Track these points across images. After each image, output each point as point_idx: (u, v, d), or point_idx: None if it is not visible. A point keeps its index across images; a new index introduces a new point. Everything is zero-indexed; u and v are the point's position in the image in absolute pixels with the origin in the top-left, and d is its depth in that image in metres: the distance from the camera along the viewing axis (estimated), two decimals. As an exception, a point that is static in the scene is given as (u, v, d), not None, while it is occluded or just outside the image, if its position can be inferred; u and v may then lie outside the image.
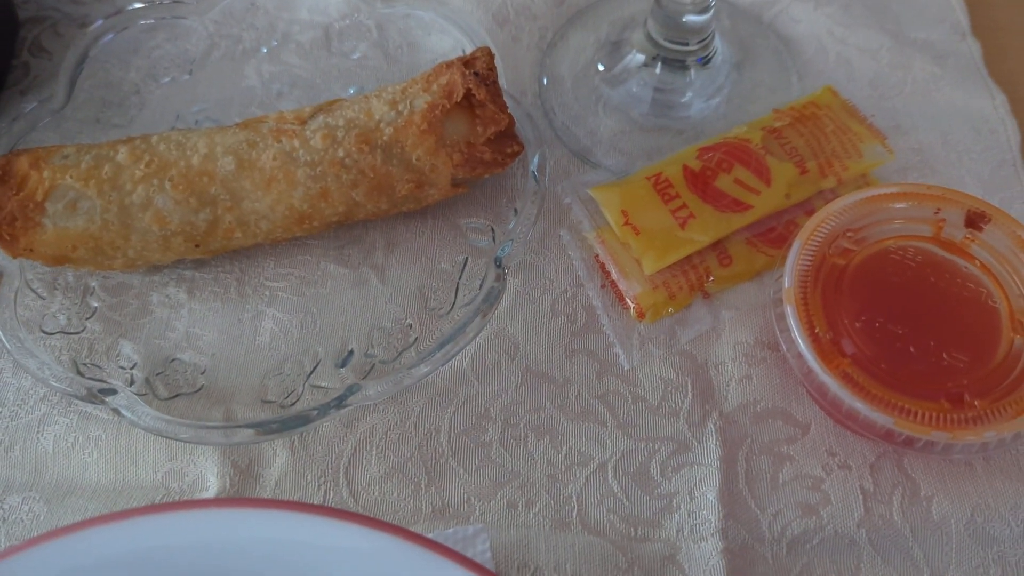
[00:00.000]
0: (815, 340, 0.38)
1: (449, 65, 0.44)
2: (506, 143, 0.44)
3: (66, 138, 0.49)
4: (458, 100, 0.42)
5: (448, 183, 0.44)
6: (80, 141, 0.49)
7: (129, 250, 0.43)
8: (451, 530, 0.38)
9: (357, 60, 0.53)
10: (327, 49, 0.53)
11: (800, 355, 0.38)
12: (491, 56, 0.44)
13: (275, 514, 0.31)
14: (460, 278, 0.45)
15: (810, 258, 0.40)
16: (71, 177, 0.42)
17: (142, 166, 0.42)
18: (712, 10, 0.46)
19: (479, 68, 0.43)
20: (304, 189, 0.43)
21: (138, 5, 0.52)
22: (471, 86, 0.42)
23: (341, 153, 0.42)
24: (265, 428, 0.40)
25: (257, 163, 0.42)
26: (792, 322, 0.38)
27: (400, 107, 0.43)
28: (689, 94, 0.49)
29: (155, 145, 0.43)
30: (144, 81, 0.52)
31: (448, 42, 0.52)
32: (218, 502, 0.32)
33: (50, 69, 0.54)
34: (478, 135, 0.43)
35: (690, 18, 0.46)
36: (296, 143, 0.43)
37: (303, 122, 0.43)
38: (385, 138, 0.43)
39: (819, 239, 0.40)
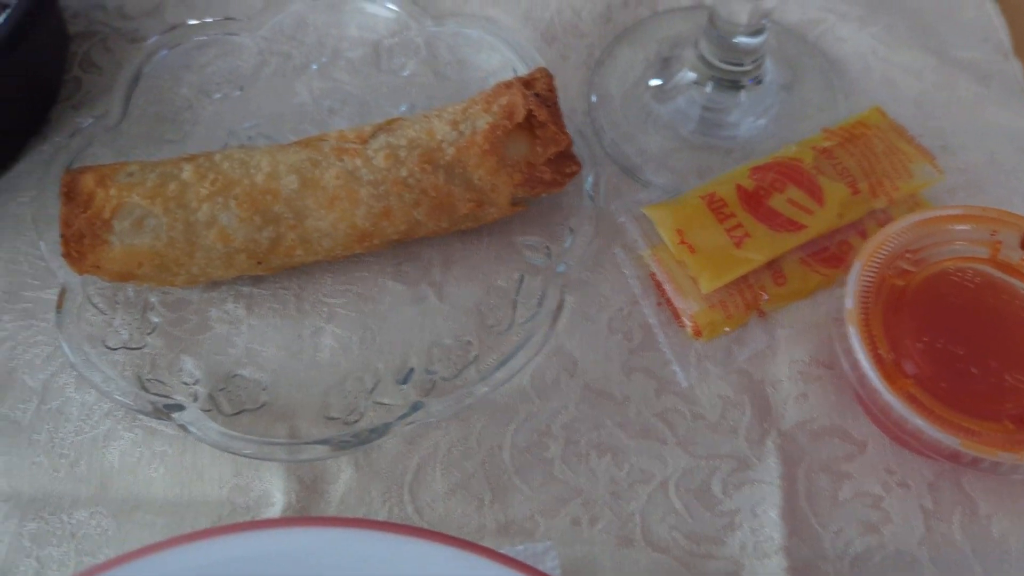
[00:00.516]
0: (879, 360, 0.39)
1: (508, 85, 0.44)
2: (565, 163, 0.44)
3: (121, 153, 0.49)
4: (519, 121, 0.43)
5: (507, 202, 0.44)
6: (135, 156, 0.49)
7: (193, 267, 0.43)
8: (521, 547, 0.39)
9: (407, 77, 0.53)
10: (376, 66, 0.54)
11: (864, 375, 0.39)
12: (550, 77, 0.44)
13: (364, 534, 0.32)
14: (517, 295, 0.46)
15: (870, 279, 0.41)
16: (138, 195, 0.42)
17: (207, 184, 0.43)
18: (766, 32, 0.46)
19: (539, 89, 0.43)
20: (367, 208, 0.43)
21: (193, 22, 0.52)
22: (532, 107, 0.43)
23: (404, 172, 0.43)
24: (331, 445, 0.41)
25: (320, 182, 0.43)
26: (855, 343, 0.39)
27: (462, 127, 0.43)
28: (738, 113, 0.50)
29: (219, 163, 0.43)
30: (196, 97, 0.53)
31: (497, 60, 0.53)
32: (305, 520, 0.32)
33: (101, 84, 0.54)
34: (538, 155, 0.44)
35: (744, 40, 0.47)
36: (359, 162, 0.43)
37: (364, 141, 0.44)
38: (447, 158, 0.43)
39: (879, 260, 0.41)
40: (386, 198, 0.43)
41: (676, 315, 0.45)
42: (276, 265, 0.45)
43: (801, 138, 0.49)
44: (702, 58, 0.49)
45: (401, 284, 0.47)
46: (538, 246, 0.47)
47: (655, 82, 0.51)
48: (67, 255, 0.42)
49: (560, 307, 0.44)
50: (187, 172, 0.43)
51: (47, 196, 0.46)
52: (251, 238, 0.43)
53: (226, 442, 0.41)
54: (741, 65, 0.48)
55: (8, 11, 0.47)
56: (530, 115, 0.43)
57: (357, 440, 0.41)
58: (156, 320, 0.46)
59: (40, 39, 0.47)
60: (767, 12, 0.45)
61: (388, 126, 0.45)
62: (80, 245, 0.42)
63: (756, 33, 0.46)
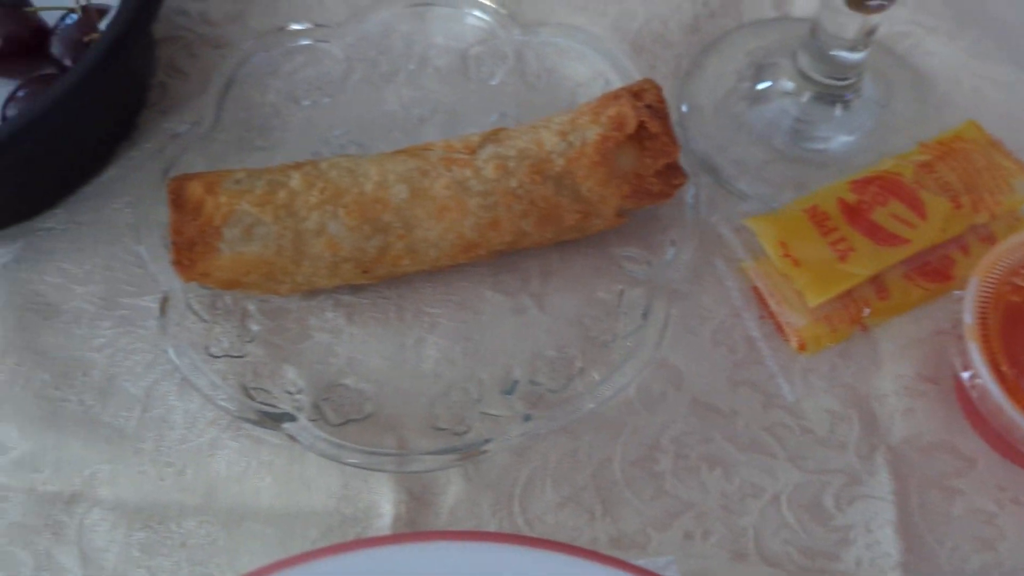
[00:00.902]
0: (1001, 377, 0.39)
1: (616, 97, 0.44)
2: (672, 174, 0.44)
3: (213, 160, 0.49)
4: (630, 132, 0.43)
5: (614, 214, 0.44)
6: (226, 163, 0.49)
7: (298, 275, 0.43)
8: (642, 561, 0.38)
9: (496, 86, 0.53)
10: (464, 75, 0.54)
11: (986, 392, 0.39)
12: (659, 88, 0.44)
13: (506, 548, 0.32)
14: (620, 307, 0.46)
15: (987, 295, 0.41)
16: (247, 202, 0.42)
17: (316, 192, 0.43)
18: (869, 48, 0.46)
19: (649, 100, 0.43)
20: (475, 218, 0.43)
21: (290, 27, 0.52)
22: (644, 118, 0.42)
23: (513, 183, 0.43)
24: (442, 456, 0.41)
25: (430, 192, 0.43)
26: (977, 358, 0.39)
27: (571, 138, 0.43)
28: (833, 127, 0.50)
29: (326, 171, 0.43)
30: (285, 104, 0.53)
31: (586, 70, 0.53)
32: (445, 534, 0.32)
33: (187, 89, 0.54)
34: (647, 166, 0.44)
35: (846, 55, 0.47)
36: (468, 172, 0.43)
37: (472, 151, 0.44)
38: (557, 169, 0.43)
39: (995, 276, 0.41)
40: (495, 209, 0.43)
41: (779, 328, 0.45)
42: (380, 274, 0.44)
43: (896, 152, 0.49)
44: (799, 70, 0.49)
45: (500, 294, 0.47)
46: (638, 257, 0.47)
47: (748, 93, 0.51)
48: (177, 263, 0.42)
49: (667, 320, 0.43)
50: (295, 180, 0.43)
51: (146, 202, 0.46)
52: (358, 247, 0.43)
53: (335, 452, 0.41)
54: (843, 79, 0.48)
55: (112, 16, 0.47)
56: (640, 126, 0.43)
57: (468, 451, 0.41)
58: (255, 328, 0.46)
59: (137, 45, 0.46)
60: (874, 27, 0.45)
61: (494, 136, 0.44)
62: (191, 253, 0.42)
63: (859, 48, 0.46)
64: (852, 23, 0.45)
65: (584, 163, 0.43)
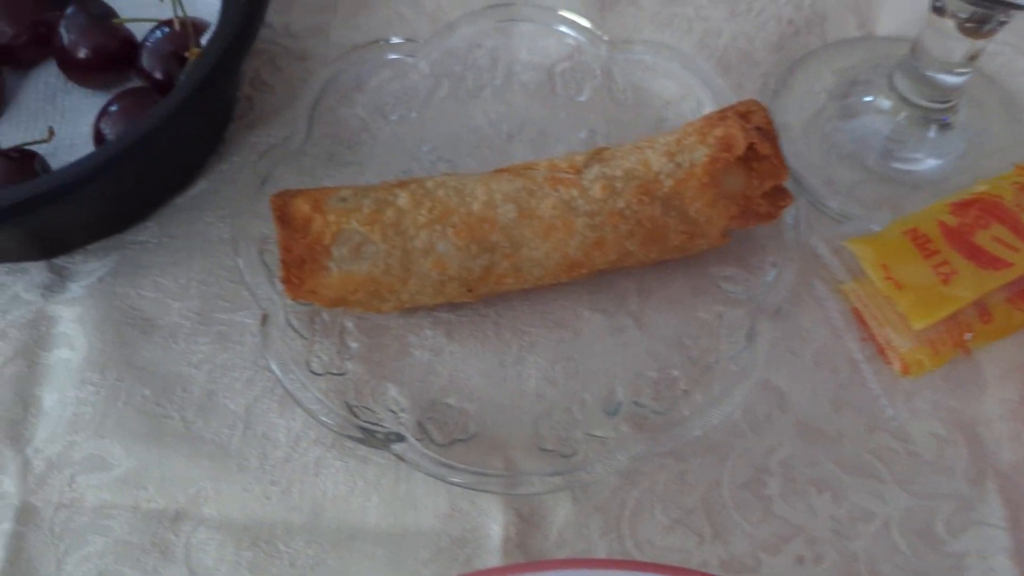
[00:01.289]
0: (1122, 406, 0.38)
1: (722, 117, 0.44)
2: (779, 195, 0.44)
3: (303, 174, 0.49)
4: (739, 154, 0.43)
5: (719, 234, 0.44)
6: (317, 177, 0.49)
7: (404, 294, 0.43)
8: (761, 587, 0.38)
9: (584, 103, 0.53)
10: (552, 91, 0.54)
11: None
12: (765, 109, 0.44)
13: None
14: (720, 328, 0.45)
15: (1102, 322, 0.40)
16: (356, 221, 0.42)
17: (424, 211, 0.42)
18: (971, 71, 0.46)
19: (758, 122, 0.43)
20: (581, 238, 0.43)
21: (397, 39, 0.52)
22: (754, 140, 0.42)
23: (621, 204, 0.43)
24: (552, 479, 0.41)
25: (537, 211, 0.43)
26: (1097, 387, 0.39)
27: (679, 159, 0.43)
28: (927, 148, 0.50)
29: (432, 190, 0.43)
30: (372, 118, 0.52)
31: (675, 87, 0.52)
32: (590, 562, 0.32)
33: (274, 103, 0.54)
34: (754, 188, 0.43)
35: (947, 78, 0.47)
36: (575, 192, 0.43)
37: (578, 171, 0.44)
38: (665, 190, 0.43)
39: (1109, 303, 0.41)
40: (601, 229, 0.43)
41: (881, 351, 0.45)
42: (483, 293, 0.44)
43: (990, 174, 0.49)
44: (896, 91, 0.49)
45: (598, 314, 0.46)
46: (736, 278, 0.47)
47: (840, 113, 0.51)
48: (287, 280, 0.42)
49: (772, 342, 0.43)
50: (403, 199, 0.43)
51: (243, 216, 0.46)
52: (465, 266, 0.43)
53: (443, 472, 0.41)
54: (944, 102, 0.47)
55: (213, 31, 0.47)
56: (748, 147, 0.43)
57: (577, 476, 0.40)
58: (354, 345, 0.45)
59: (242, 61, 0.46)
60: (979, 51, 0.45)
61: (599, 155, 0.44)
62: (300, 271, 0.42)
63: (962, 71, 0.46)
64: (959, 47, 0.44)
65: (693, 184, 0.43)
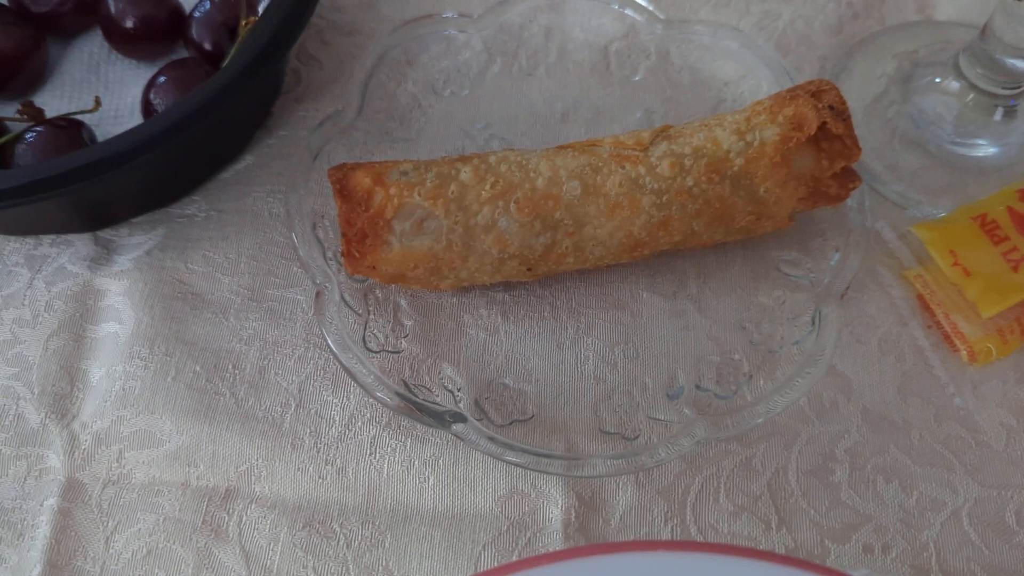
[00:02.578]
0: None
1: (793, 96, 0.43)
2: (848, 177, 0.43)
3: (355, 149, 0.48)
4: (811, 133, 0.42)
5: (786, 216, 0.43)
6: (369, 153, 0.48)
7: (462, 271, 0.42)
8: (835, 576, 0.37)
9: (639, 82, 0.52)
10: (606, 70, 0.53)
11: None
12: (837, 88, 0.43)
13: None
14: (783, 313, 0.44)
15: None
16: (419, 195, 0.41)
17: (487, 187, 0.41)
18: (1044, 54, 0.45)
19: (831, 101, 0.42)
20: (647, 217, 0.42)
21: (449, 14, 0.51)
22: (827, 119, 0.41)
23: (689, 182, 0.42)
24: (615, 461, 0.40)
25: (602, 189, 0.42)
26: None
27: (748, 137, 0.42)
28: (992, 133, 0.49)
29: (495, 165, 0.42)
30: (423, 94, 0.51)
31: (734, 67, 0.51)
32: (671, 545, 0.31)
33: (322, 77, 0.53)
34: (823, 168, 0.42)
35: (1017, 62, 0.45)
36: (642, 170, 0.42)
37: (644, 148, 0.43)
38: (735, 168, 0.42)
39: None
40: (668, 207, 0.42)
41: (947, 338, 0.44)
42: (542, 272, 0.43)
43: (1057, 160, 0.48)
44: (962, 76, 0.48)
45: (657, 296, 0.45)
46: (797, 262, 0.46)
47: (903, 97, 0.50)
48: (347, 255, 0.41)
49: (839, 328, 0.42)
50: (466, 174, 0.42)
51: (297, 192, 0.45)
52: (527, 244, 0.42)
53: (502, 452, 0.40)
54: (1014, 87, 0.46)
55: (268, 1, 0.45)
56: (819, 127, 0.42)
57: (641, 457, 0.39)
58: (409, 324, 0.44)
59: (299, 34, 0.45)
60: (1053, 35, 0.44)
61: (665, 132, 0.43)
62: (361, 245, 0.41)
63: (1034, 54, 0.45)
64: (1033, 31, 0.43)
65: (764, 163, 0.42)
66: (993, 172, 0.48)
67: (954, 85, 0.49)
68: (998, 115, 0.49)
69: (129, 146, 0.41)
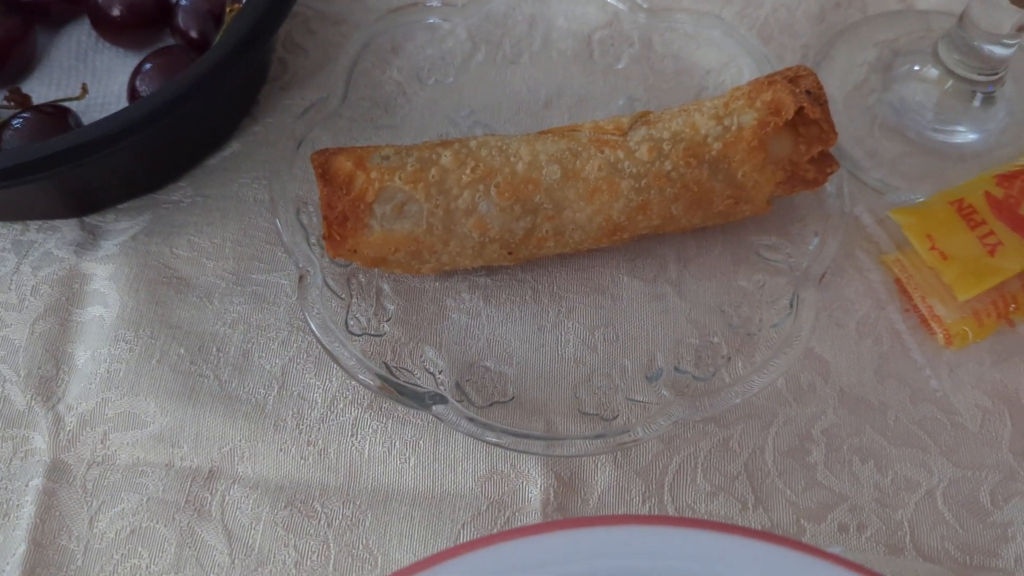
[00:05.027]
0: None
1: (771, 82, 0.43)
2: (825, 162, 0.44)
3: (339, 136, 0.49)
4: (788, 118, 0.42)
5: (764, 200, 0.44)
6: (353, 140, 0.49)
7: (443, 255, 0.43)
8: (808, 553, 0.38)
9: (622, 70, 0.52)
10: (589, 58, 0.53)
11: None
12: (814, 74, 0.43)
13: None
14: (762, 296, 0.45)
15: None
16: (400, 179, 0.41)
17: (468, 171, 0.42)
18: (1018, 43, 0.46)
19: (808, 86, 0.42)
20: (626, 201, 0.42)
21: (434, 3, 0.51)
22: (804, 104, 0.42)
23: (668, 166, 0.42)
24: (593, 441, 0.40)
25: (582, 173, 0.42)
26: None
27: (726, 122, 0.43)
28: (971, 120, 0.49)
29: (476, 150, 0.43)
30: (408, 82, 0.52)
31: (716, 56, 0.52)
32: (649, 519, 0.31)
33: (308, 66, 0.53)
34: (800, 153, 0.43)
35: (996, 49, 0.46)
36: (621, 154, 0.42)
37: (623, 133, 0.43)
38: (713, 153, 0.42)
39: None
40: (646, 192, 0.42)
41: (924, 322, 0.45)
42: (523, 256, 0.44)
43: (1033, 147, 0.48)
44: (940, 63, 0.48)
45: (638, 280, 0.46)
46: (777, 247, 0.46)
47: (882, 85, 0.51)
48: (328, 238, 0.41)
49: (817, 311, 0.43)
50: (446, 158, 0.42)
51: (281, 178, 0.45)
52: (507, 227, 0.42)
53: (482, 432, 0.40)
54: (992, 74, 0.47)
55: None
56: (796, 112, 0.42)
57: (619, 438, 0.40)
58: (391, 308, 0.45)
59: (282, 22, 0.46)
60: (1029, 21, 0.44)
61: (644, 118, 0.44)
62: (342, 228, 0.41)
63: (1009, 43, 0.46)
64: (1008, 18, 0.44)
65: (741, 148, 0.42)
66: (972, 158, 0.49)
67: (933, 72, 0.49)
68: (977, 101, 0.49)
69: (114, 129, 0.42)
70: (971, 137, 0.49)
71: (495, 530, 0.40)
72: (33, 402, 0.43)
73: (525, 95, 0.52)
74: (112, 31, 0.52)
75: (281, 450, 0.42)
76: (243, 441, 0.42)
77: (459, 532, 0.40)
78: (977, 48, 0.47)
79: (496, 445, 0.40)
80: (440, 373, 0.43)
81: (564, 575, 0.31)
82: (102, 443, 0.42)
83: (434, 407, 0.40)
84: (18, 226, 0.47)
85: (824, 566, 0.31)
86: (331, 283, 0.44)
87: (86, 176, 0.45)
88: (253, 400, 0.43)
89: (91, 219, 0.48)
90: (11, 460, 0.42)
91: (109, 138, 0.41)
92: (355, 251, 0.42)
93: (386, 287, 0.45)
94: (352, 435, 0.42)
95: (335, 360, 0.41)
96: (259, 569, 0.39)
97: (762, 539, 0.32)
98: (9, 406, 0.43)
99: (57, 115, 0.47)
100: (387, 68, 0.52)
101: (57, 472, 0.41)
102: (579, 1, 0.54)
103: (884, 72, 0.51)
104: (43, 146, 0.41)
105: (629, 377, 0.43)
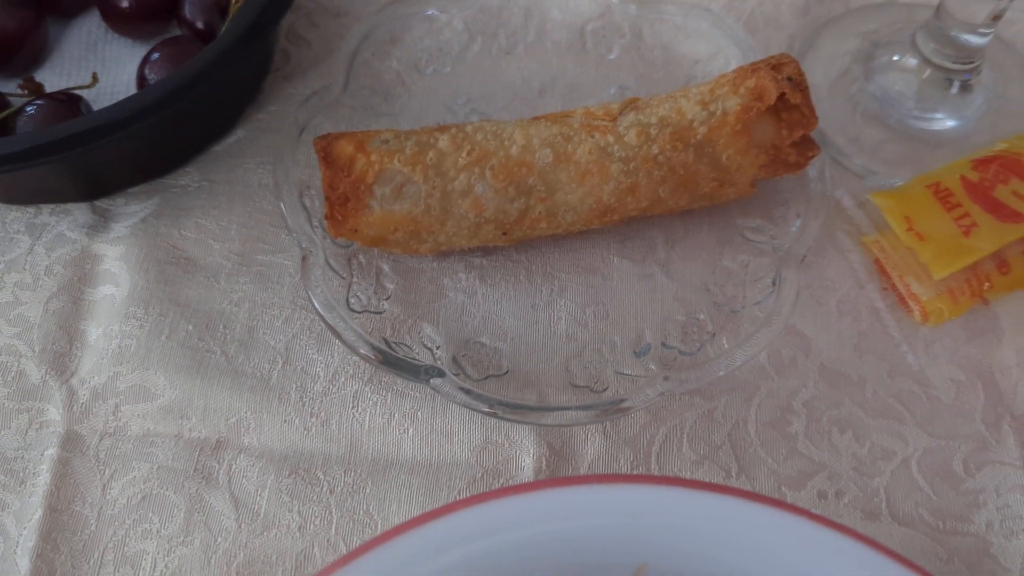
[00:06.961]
0: None
1: (754, 69, 0.45)
2: (807, 146, 0.45)
3: (340, 124, 0.50)
4: (770, 103, 0.44)
5: (748, 183, 0.46)
6: (354, 127, 0.50)
7: (441, 235, 0.44)
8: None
9: (614, 60, 0.54)
10: (582, 48, 0.55)
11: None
12: (796, 62, 0.45)
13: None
14: (746, 276, 0.47)
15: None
16: (399, 161, 0.43)
17: (464, 154, 0.44)
18: (993, 32, 0.47)
19: (790, 73, 0.44)
20: (615, 183, 0.44)
21: None
22: (786, 90, 0.44)
23: (655, 150, 0.44)
24: (584, 412, 0.42)
25: (573, 156, 0.44)
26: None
27: (711, 107, 0.44)
28: (949, 108, 0.51)
29: (472, 134, 0.44)
30: (407, 72, 0.54)
31: (704, 46, 0.54)
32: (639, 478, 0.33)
33: (311, 56, 0.55)
34: (783, 137, 0.45)
35: (971, 38, 0.48)
36: (610, 138, 0.44)
37: (613, 118, 0.45)
38: (699, 137, 0.44)
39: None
40: (635, 174, 0.44)
41: (902, 300, 0.46)
42: (517, 236, 0.46)
43: (1009, 135, 0.50)
44: (919, 53, 0.50)
45: (627, 261, 0.48)
46: (761, 228, 0.48)
47: (864, 74, 0.52)
48: (330, 218, 0.43)
49: (798, 290, 0.45)
50: (443, 142, 0.44)
51: (285, 163, 0.47)
52: (502, 209, 0.44)
53: (477, 404, 0.42)
54: (967, 63, 0.49)
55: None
56: (778, 98, 0.44)
57: (609, 408, 0.42)
58: (391, 286, 0.47)
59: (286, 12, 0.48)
60: (1002, 11, 0.46)
61: (633, 104, 0.46)
62: (343, 209, 0.43)
63: (985, 32, 0.47)
64: (983, 8, 0.46)
65: (726, 132, 0.44)
66: (950, 144, 0.51)
67: (912, 62, 0.51)
68: (954, 89, 0.51)
69: (123, 115, 0.43)
70: (949, 124, 0.51)
71: (490, 496, 0.42)
72: (48, 376, 0.45)
73: (520, 84, 0.54)
74: (121, 22, 0.53)
75: (285, 421, 0.44)
76: (249, 413, 0.44)
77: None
78: (953, 38, 0.48)
79: (491, 415, 0.42)
80: (437, 348, 0.45)
81: (554, 531, 0.32)
82: (114, 415, 0.44)
83: (431, 380, 0.42)
84: (32, 209, 0.49)
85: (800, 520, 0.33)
86: (333, 263, 0.46)
87: (97, 161, 0.47)
88: (258, 374, 0.45)
89: (102, 202, 0.50)
90: (27, 431, 0.44)
91: (118, 123, 0.43)
92: (356, 231, 0.44)
93: (386, 267, 0.47)
94: (353, 407, 0.44)
95: (337, 336, 0.43)
96: (265, 533, 0.41)
97: (738, 496, 0.34)
98: (25, 380, 0.45)
99: (69, 102, 0.49)
100: (386, 58, 0.54)
101: (71, 442, 0.43)
102: (572, -6, 0.56)
103: (866, 62, 0.53)
104: (56, 130, 0.43)
105: (618, 352, 0.45)
